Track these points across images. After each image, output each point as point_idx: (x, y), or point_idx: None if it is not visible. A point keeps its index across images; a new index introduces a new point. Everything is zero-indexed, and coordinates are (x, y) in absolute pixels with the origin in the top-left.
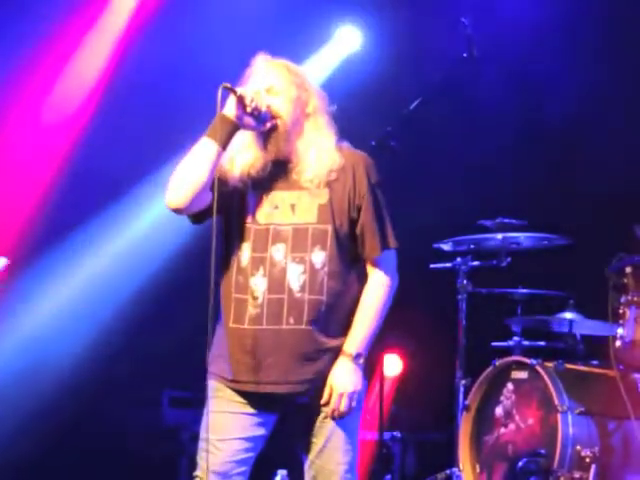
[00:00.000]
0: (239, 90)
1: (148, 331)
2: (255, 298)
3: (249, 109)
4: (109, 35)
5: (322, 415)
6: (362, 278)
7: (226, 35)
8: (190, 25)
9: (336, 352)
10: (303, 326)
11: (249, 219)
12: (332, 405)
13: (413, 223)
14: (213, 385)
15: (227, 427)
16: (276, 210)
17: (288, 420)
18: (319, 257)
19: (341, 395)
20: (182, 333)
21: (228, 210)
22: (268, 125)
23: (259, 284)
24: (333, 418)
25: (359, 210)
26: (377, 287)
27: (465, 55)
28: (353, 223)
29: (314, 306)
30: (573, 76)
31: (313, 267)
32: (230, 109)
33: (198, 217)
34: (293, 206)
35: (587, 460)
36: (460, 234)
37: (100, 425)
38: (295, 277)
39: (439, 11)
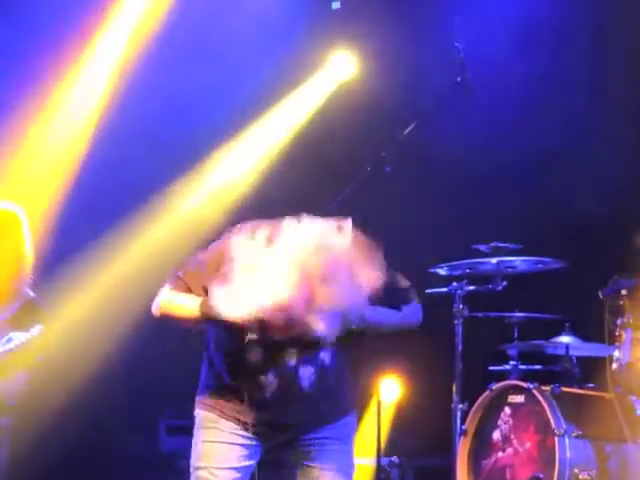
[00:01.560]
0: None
1: (146, 358)
2: (263, 389)
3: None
4: (111, 54)
5: (318, 437)
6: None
7: (222, 64)
8: (187, 54)
9: (342, 393)
10: (306, 402)
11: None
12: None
13: (408, 248)
14: (204, 415)
15: (223, 456)
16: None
17: (281, 446)
18: (327, 355)
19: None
20: (180, 361)
21: None
22: None
23: (270, 382)
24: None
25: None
26: (415, 310)
27: (459, 79)
28: None
29: (320, 392)
30: (564, 101)
31: (323, 364)
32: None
33: None
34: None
35: None
36: (455, 259)
37: (97, 452)
38: (306, 378)
39: (432, 36)
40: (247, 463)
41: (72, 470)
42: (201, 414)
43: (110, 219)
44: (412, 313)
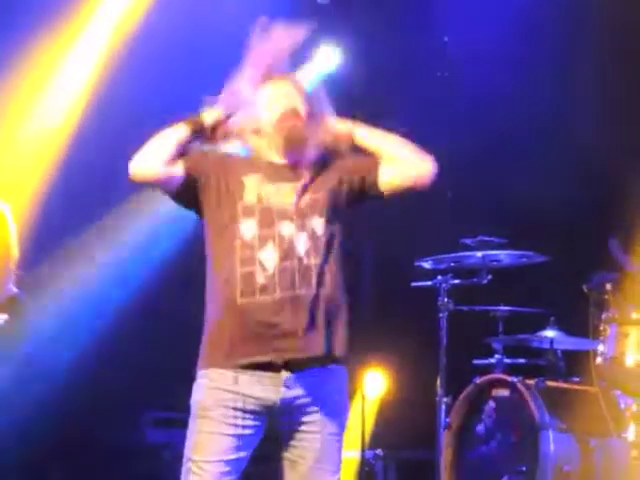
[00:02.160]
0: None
1: (131, 350)
2: (265, 269)
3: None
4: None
5: (311, 431)
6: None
7: (207, 55)
8: (170, 42)
9: (336, 327)
10: (314, 291)
11: (252, 200)
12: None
13: (395, 241)
14: (200, 401)
15: (214, 448)
16: (278, 193)
17: (274, 438)
18: (318, 224)
19: None
20: (166, 353)
21: (214, 198)
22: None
23: (269, 256)
24: None
25: (352, 173)
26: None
27: (446, 74)
28: (347, 188)
29: (320, 271)
30: (544, 93)
31: (315, 233)
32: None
33: (178, 197)
34: (295, 188)
35: (568, 477)
36: (441, 252)
37: (82, 444)
38: (302, 244)
39: (418, 30)
40: (241, 454)
41: (57, 463)
42: (200, 393)
43: (94, 212)
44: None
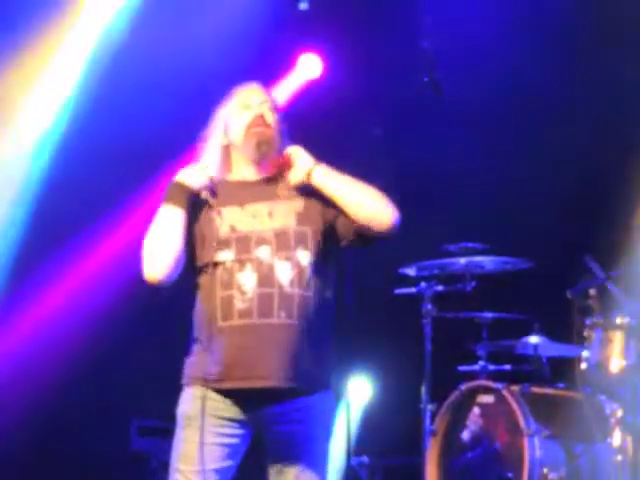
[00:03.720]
0: (185, 179)
1: (116, 357)
2: (243, 293)
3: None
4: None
5: (295, 441)
6: (335, 281)
7: (190, 63)
8: (149, 57)
9: (319, 356)
10: (294, 321)
11: (226, 231)
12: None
13: (377, 249)
14: (186, 412)
15: (200, 458)
16: (254, 219)
17: (260, 449)
18: (304, 255)
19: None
20: (151, 360)
21: (195, 241)
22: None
23: (247, 278)
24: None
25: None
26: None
27: (426, 79)
28: (328, 226)
29: (303, 301)
30: (534, 95)
31: (299, 264)
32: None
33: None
34: (270, 213)
35: None
36: (424, 259)
37: (67, 453)
38: (284, 273)
39: (400, 35)
40: (228, 463)
41: (41, 470)
42: (185, 407)
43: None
44: (380, 195)
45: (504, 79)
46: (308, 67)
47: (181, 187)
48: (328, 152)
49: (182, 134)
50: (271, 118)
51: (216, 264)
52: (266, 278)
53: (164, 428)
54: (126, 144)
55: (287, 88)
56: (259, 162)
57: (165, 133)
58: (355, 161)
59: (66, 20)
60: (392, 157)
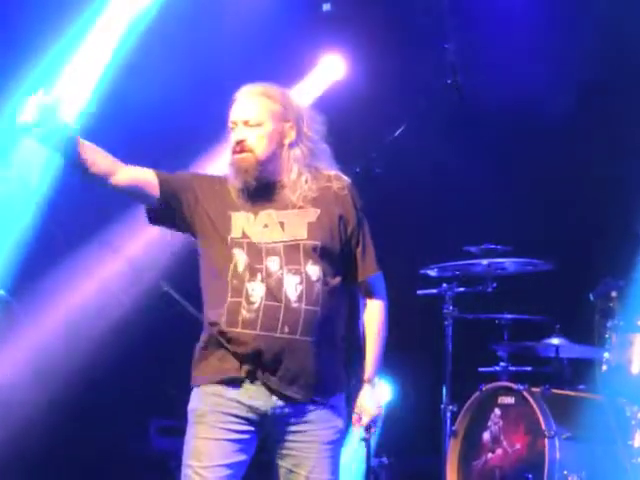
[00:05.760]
0: None
1: (135, 358)
2: (250, 303)
3: None
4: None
5: (305, 441)
6: (348, 296)
7: (213, 63)
8: (174, 57)
9: (327, 366)
10: (297, 336)
11: (239, 236)
12: (364, 423)
13: (399, 250)
14: (197, 408)
15: (210, 454)
16: (266, 229)
17: (270, 447)
18: (313, 270)
19: (371, 418)
20: (169, 360)
21: (206, 231)
22: None
23: (257, 289)
24: (363, 439)
25: (350, 235)
26: (379, 312)
27: (449, 82)
28: (342, 244)
29: (309, 317)
30: (558, 98)
31: (309, 279)
32: None
33: (155, 217)
34: (282, 224)
35: None
36: (446, 260)
37: (87, 454)
38: (292, 287)
39: (424, 38)
40: (239, 458)
41: (60, 470)
42: (194, 405)
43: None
44: (383, 309)
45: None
46: (331, 68)
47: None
48: (348, 152)
49: (201, 136)
50: (253, 140)
51: (229, 261)
52: (274, 291)
53: (184, 428)
54: (146, 143)
55: (309, 89)
56: (245, 182)
57: (185, 133)
58: (375, 161)
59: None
60: None
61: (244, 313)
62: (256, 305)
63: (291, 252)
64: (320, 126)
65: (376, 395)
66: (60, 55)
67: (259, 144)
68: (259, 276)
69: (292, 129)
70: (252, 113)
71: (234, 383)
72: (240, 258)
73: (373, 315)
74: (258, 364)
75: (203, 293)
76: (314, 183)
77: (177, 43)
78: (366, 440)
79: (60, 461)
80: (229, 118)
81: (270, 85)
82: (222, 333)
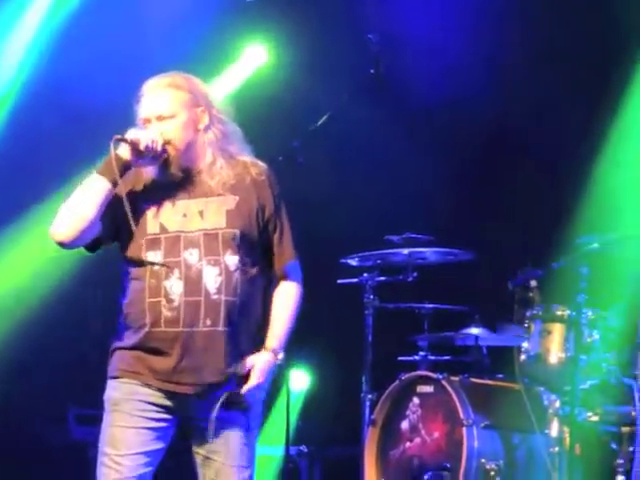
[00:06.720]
0: (132, 137)
1: (51, 346)
2: (170, 301)
3: (144, 154)
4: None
5: (221, 431)
6: (268, 284)
7: (133, 55)
8: (97, 42)
9: (246, 354)
10: (219, 328)
11: (156, 230)
12: (250, 384)
13: (320, 239)
14: (112, 396)
15: (127, 442)
16: (184, 218)
17: (187, 433)
18: (232, 260)
19: (258, 383)
20: (86, 348)
21: (124, 228)
22: (162, 157)
23: (174, 287)
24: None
25: (267, 221)
26: (291, 292)
27: (372, 72)
28: (260, 231)
29: (229, 308)
30: (479, 89)
31: (228, 269)
32: (124, 153)
33: (91, 247)
34: (201, 212)
35: (492, 473)
36: (367, 249)
37: (3, 442)
38: (212, 279)
39: (347, 28)
40: (156, 446)
41: None
42: (110, 393)
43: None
44: (295, 292)
45: (452, 69)
46: (254, 58)
47: (119, 161)
48: (271, 141)
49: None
50: (171, 132)
51: (145, 263)
52: (193, 286)
53: (102, 417)
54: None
55: (232, 79)
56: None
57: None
58: (297, 150)
59: None
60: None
61: (165, 312)
62: (176, 303)
63: (210, 242)
64: (227, 107)
65: (269, 366)
66: None
67: (177, 135)
68: (177, 272)
69: (204, 113)
70: (163, 106)
71: (155, 381)
72: (156, 257)
73: (284, 292)
74: (179, 360)
75: (123, 292)
76: (230, 169)
77: (99, 32)
78: (244, 409)
79: None
80: (139, 115)
81: (174, 74)
82: (145, 332)
